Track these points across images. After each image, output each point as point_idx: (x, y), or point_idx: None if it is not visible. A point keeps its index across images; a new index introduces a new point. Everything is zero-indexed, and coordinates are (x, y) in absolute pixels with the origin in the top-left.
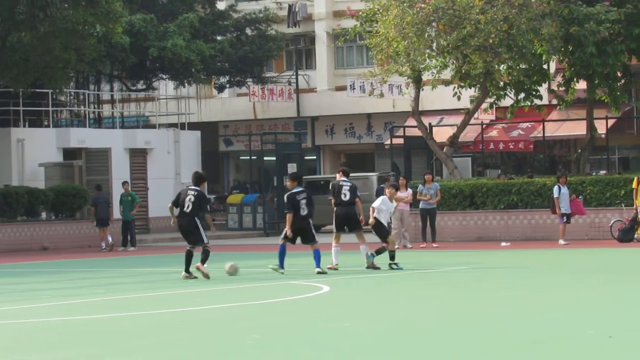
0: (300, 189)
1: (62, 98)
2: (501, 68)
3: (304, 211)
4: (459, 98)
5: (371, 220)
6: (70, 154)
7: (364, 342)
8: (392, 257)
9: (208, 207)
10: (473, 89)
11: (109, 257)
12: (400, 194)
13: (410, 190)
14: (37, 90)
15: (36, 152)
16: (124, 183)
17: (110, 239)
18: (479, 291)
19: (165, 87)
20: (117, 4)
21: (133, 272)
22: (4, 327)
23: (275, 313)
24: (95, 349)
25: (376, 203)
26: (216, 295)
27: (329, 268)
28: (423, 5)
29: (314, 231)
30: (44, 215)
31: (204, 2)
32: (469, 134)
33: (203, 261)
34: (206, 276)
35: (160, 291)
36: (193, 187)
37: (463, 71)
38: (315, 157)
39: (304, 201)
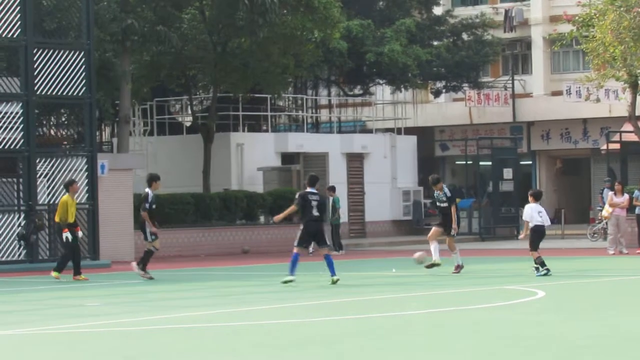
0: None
1: (280, 103)
2: None
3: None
4: None
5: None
6: (288, 158)
7: (581, 348)
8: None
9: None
10: None
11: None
12: (616, 199)
13: (626, 196)
14: (256, 95)
15: (255, 156)
16: (328, 189)
17: None
18: None
19: (382, 92)
20: (335, 10)
21: (344, 276)
22: (221, 329)
23: (490, 318)
24: (317, 349)
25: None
26: (431, 300)
27: (430, 266)
28: None
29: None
30: (262, 219)
31: (420, 7)
32: None
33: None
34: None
35: (372, 295)
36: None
37: None
38: (530, 162)
39: (315, 202)
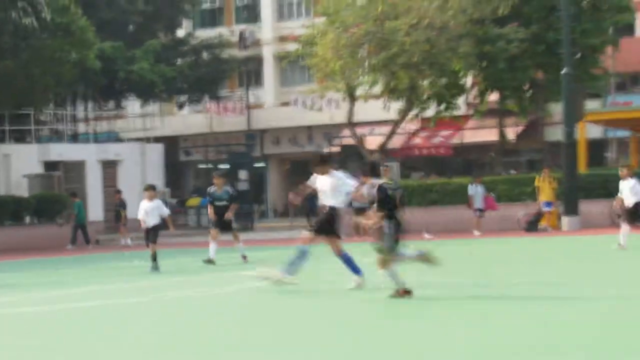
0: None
1: (42, 117)
2: (424, 83)
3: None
4: (388, 110)
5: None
6: (50, 166)
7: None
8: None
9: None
10: (400, 101)
11: (87, 255)
12: None
13: None
14: (21, 112)
15: (21, 165)
16: (71, 194)
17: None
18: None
19: (133, 105)
20: (90, 34)
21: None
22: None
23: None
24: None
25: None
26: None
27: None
28: (355, 29)
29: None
30: (27, 219)
31: (165, 30)
32: (397, 141)
33: None
34: None
35: (121, 284)
36: None
37: (391, 86)
38: (264, 165)
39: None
